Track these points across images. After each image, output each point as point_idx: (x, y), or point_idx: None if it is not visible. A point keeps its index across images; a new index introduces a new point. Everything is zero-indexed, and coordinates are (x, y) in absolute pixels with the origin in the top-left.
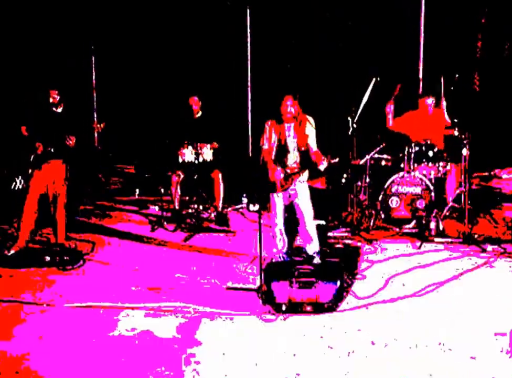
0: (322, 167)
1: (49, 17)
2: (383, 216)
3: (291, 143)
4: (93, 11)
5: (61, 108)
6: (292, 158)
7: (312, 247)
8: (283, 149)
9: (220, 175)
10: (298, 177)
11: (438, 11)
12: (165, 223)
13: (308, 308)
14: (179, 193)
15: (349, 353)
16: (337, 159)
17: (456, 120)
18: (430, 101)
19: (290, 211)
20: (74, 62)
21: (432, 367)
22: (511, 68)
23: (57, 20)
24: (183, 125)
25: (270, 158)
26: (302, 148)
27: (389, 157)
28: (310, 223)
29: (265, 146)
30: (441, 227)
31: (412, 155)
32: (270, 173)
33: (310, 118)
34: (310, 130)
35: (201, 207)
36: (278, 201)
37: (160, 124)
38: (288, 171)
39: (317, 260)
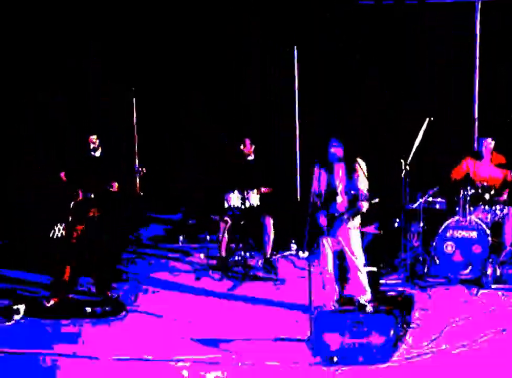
0: (362, 207)
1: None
2: (437, 262)
3: (340, 186)
4: (134, 51)
5: (99, 151)
6: (342, 202)
7: (364, 296)
8: (331, 193)
9: (271, 221)
10: (347, 222)
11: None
12: (211, 271)
13: (361, 359)
14: (226, 240)
15: None
16: (377, 199)
17: None
18: (489, 141)
19: (341, 258)
20: (114, 102)
21: None
22: None
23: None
24: (232, 169)
25: (318, 202)
26: (352, 192)
27: (443, 201)
28: (361, 270)
29: (314, 190)
30: (498, 273)
31: (468, 198)
32: (319, 214)
33: (361, 161)
34: (360, 173)
35: (248, 254)
36: (327, 246)
37: (207, 168)
38: (337, 215)
39: (369, 308)
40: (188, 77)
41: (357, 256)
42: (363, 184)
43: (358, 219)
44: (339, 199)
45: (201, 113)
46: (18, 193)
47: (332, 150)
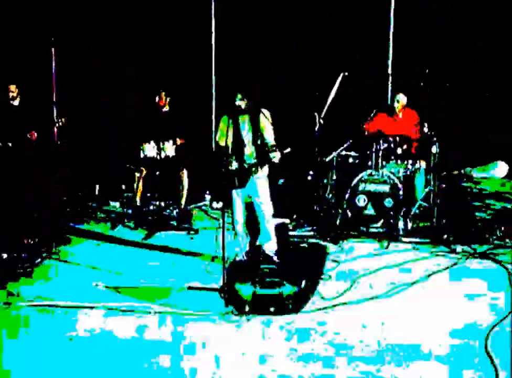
0: (275, 158)
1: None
2: (349, 214)
3: (246, 137)
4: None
5: (18, 100)
6: (249, 152)
7: (270, 246)
8: (239, 144)
9: (185, 172)
10: (257, 172)
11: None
12: (126, 220)
13: (272, 309)
14: (141, 190)
15: (312, 354)
16: (288, 149)
17: (424, 117)
18: (401, 97)
19: (252, 209)
20: (33, 56)
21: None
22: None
23: (15, 12)
24: (148, 119)
25: (226, 152)
26: (258, 142)
27: (357, 154)
28: (268, 220)
29: (220, 141)
30: (409, 227)
31: (380, 152)
32: (231, 167)
33: (265, 111)
34: (266, 123)
35: (163, 204)
36: (238, 198)
37: (123, 119)
38: (246, 166)
39: (275, 258)
40: (109, 27)
41: (266, 205)
42: (269, 134)
43: (266, 169)
44: (247, 149)
45: (121, 63)
46: None
47: (237, 103)
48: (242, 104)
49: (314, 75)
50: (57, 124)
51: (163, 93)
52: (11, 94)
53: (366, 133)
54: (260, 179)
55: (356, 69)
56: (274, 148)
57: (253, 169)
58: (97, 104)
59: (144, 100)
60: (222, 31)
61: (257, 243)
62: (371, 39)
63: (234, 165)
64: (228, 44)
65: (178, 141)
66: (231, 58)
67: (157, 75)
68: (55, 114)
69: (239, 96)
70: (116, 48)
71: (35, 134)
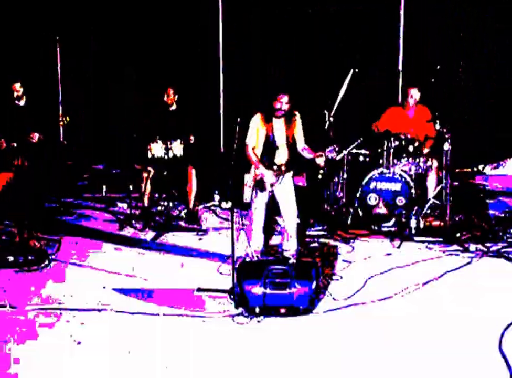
0: (320, 161)
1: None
2: (361, 213)
3: (281, 139)
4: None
5: (24, 100)
6: (282, 155)
7: (292, 247)
8: (271, 146)
9: (193, 171)
10: (286, 174)
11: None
12: (133, 221)
13: (283, 310)
14: (149, 190)
15: (324, 356)
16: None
17: (437, 113)
18: (414, 92)
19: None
20: (38, 53)
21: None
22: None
23: (19, 9)
24: (155, 119)
25: (256, 154)
26: (292, 144)
27: (368, 152)
28: (294, 222)
29: (251, 142)
30: (421, 225)
31: (392, 150)
32: (258, 170)
33: (297, 113)
34: (299, 125)
35: (171, 204)
36: (263, 198)
37: (130, 117)
38: (276, 168)
39: (292, 260)
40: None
41: (294, 208)
42: (302, 136)
43: (292, 171)
44: (279, 152)
45: (127, 60)
46: None
47: (282, 104)
48: (287, 107)
49: (323, 72)
50: (61, 123)
51: (171, 91)
52: (16, 94)
53: (375, 131)
54: (290, 181)
55: (366, 66)
56: (320, 153)
57: (285, 170)
58: (102, 102)
59: (150, 97)
60: (229, 28)
61: (272, 243)
62: (380, 35)
63: (264, 166)
64: (237, 41)
65: (189, 139)
66: (238, 55)
67: (164, 73)
68: (60, 113)
69: (285, 99)
70: (120, 45)
71: (37, 136)
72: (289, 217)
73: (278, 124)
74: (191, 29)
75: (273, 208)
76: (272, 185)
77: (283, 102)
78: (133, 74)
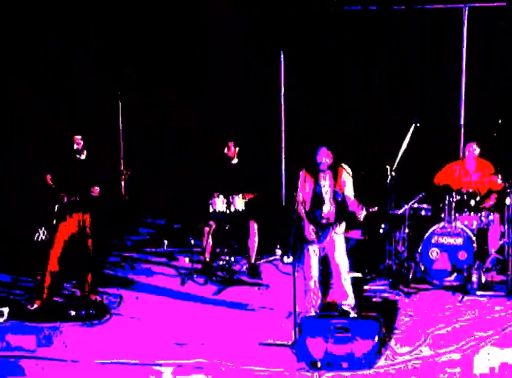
0: (361, 216)
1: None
2: (422, 268)
3: (327, 193)
4: (124, 54)
5: (84, 155)
6: (328, 208)
7: (348, 302)
8: (318, 200)
9: (255, 226)
10: (335, 229)
11: (480, 52)
12: (195, 276)
13: (345, 365)
14: (211, 244)
15: None
16: (375, 208)
17: (499, 167)
18: (474, 147)
19: (323, 264)
20: (100, 105)
21: None
22: None
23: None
24: (217, 173)
25: (304, 208)
26: (339, 199)
27: (429, 207)
28: (345, 277)
29: (299, 197)
30: (483, 280)
31: (453, 205)
32: (305, 224)
33: (347, 167)
34: (347, 179)
35: (232, 259)
36: (313, 253)
37: (192, 172)
38: (323, 222)
39: (352, 314)
40: (171, 78)
41: (343, 262)
42: (350, 190)
43: (343, 225)
44: (326, 206)
45: (189, 115)
46: (2, 194)
47: (321, 158)
48: (327, 161)
49: (384, 124)
50: (123, 177)
51: (232, 143)
52: (76, 146)
53: (436, 184)
54: (339, 236)
55: (428, 119)
56: (361, 206)
57: (333, 225)
58: (164, 156)
59: (212, 152)
60: (289, 81)
61: (329, 299)
62: (443, 88)
63: (313, 221)
64: (296, 93)
65: (246, 197)
66: (299, 107)
67: (225, 126)
68: (122, 167)
69: (323, 150)
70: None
71: (97, 189)
72: (339, 271)
73: (324, 178)
74: (251, 79)
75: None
76: (317, 238)
77: (322, 155)
78: (196, 126)
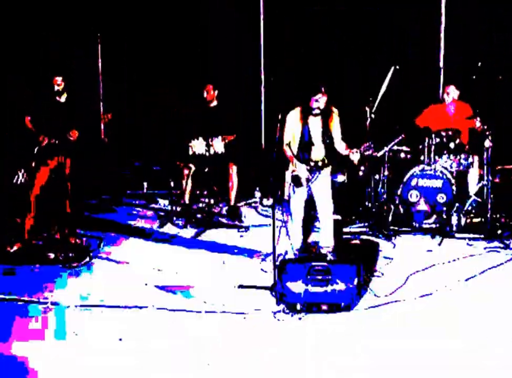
0: (355, 158)
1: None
2: (402, 210)
3: (317, 136)
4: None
5: (65, 97)
6: (318, 151)
7: (328, 244)
8: (306, 142)
9: (235, 168)
10: (323, 171)
11: None
12: (174, 218)
13: (324, 307)
14: (190, 187)
15: (365, 353)
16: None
17: (477, 110)
18: (453, 89)
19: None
20: (79, 49)
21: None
22: None
23: (64, 7)
24: (196, 115)
25: (291, 149)
26: (328, 141)
27: (408, 149)
28: (329, 218)
29: (286, 137)
30: (463, 222)
31: (433, 147)
32: (294, 167)
33: (335, 110)
34: (336, 122)
35: (212, 201)
36: (300, 195)
37: (171, 114)
38: (312, 164)
39: (329, 257)
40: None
41: (328, 204)
42: (339, 133)
43: (329, 168)
44: (315, 149)
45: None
46: None
47: (317, 101)
48: (323, 106)
49: (364, 68)
50: (103, 121)
51: (211, 87)
52: (56, 88)
53: (416, 127)
54: (326, 178)
55: (407, 62)
56: (355, 150)
57: (321, 166)
58: (143, 99)
59: (191, 94)
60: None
61: (310, 240)
62: (422, 31)
63: (301, 163)
64: (277, 36)
65: (226, 139)
66: (279, 50)
67: (203, 69)
68: (101, 110)
69: (322, 98)
70: (161, 40)
71: (77, 134)
72: (325, 213)
73: (315, 121)
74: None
75: (311, 205)
76: (307, 180)
77: (320, 101)
78: (174, 69)
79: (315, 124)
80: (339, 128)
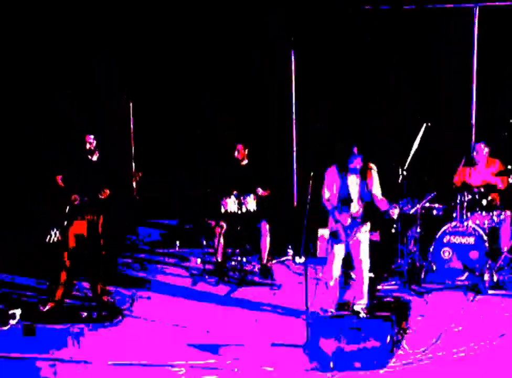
0: (395, 213)
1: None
2: (434, 267)
3: (355, 193)
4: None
5: (97, 156)
6: (355, 207)
7: (363, 302)
8: (345, 199)
9: (267, 226)
10: (361, 228)
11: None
12: (207, 276)
13: (357, 364)
14: (222, 245)
15: None
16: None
17: (510, 166)
18: (482, 147)
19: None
20: (111, 107)
21: None
22: None
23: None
24: (228, 174)
25: (332, 207)
26: (366, 199)
27: (441, 206)
28: (366, 276)
29: (326, 196)
30: (495, 279)
31: (465, 204)
32: (336, 222)
33: (373, 166)
34: (375, 178)
35: (244, 259)
36: (339, 251)
37: (203, 173)
38: (351, 220)
39: (362, 314)
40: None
41: (365, 262)
42: (378, 189)
43: (369, 225)
44: (353, 205)
45: (200, 117)
46: (16, 196)
47: (355, 164)
48: (357, 162)
49: (397, 127)
50: (134, 179)
51: (241, 146)
52: (88, 146)
53: (454, 187)
54: (365, 235)
55: (439, 119)
56: (393, 205)
57: (360, 225)
58: (175, 158)
59: (222, 154)
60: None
61: (345, 297)
62: (453, 89)
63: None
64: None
65: (259, 193)
66: (311, 106)
67: (234, 127)
68: (133, 169)
69: (356, 153)
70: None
71: (108, 192)
72: (361, 270)
73: (353, 178)
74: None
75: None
76: (346, 236)
77: (355, 162)
78: (203, 129)
79: (353, 180)
80: (378, 184)
